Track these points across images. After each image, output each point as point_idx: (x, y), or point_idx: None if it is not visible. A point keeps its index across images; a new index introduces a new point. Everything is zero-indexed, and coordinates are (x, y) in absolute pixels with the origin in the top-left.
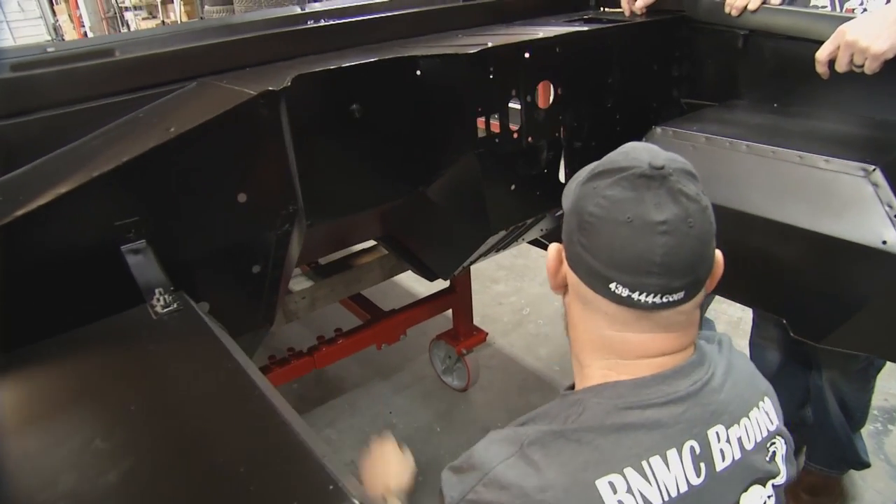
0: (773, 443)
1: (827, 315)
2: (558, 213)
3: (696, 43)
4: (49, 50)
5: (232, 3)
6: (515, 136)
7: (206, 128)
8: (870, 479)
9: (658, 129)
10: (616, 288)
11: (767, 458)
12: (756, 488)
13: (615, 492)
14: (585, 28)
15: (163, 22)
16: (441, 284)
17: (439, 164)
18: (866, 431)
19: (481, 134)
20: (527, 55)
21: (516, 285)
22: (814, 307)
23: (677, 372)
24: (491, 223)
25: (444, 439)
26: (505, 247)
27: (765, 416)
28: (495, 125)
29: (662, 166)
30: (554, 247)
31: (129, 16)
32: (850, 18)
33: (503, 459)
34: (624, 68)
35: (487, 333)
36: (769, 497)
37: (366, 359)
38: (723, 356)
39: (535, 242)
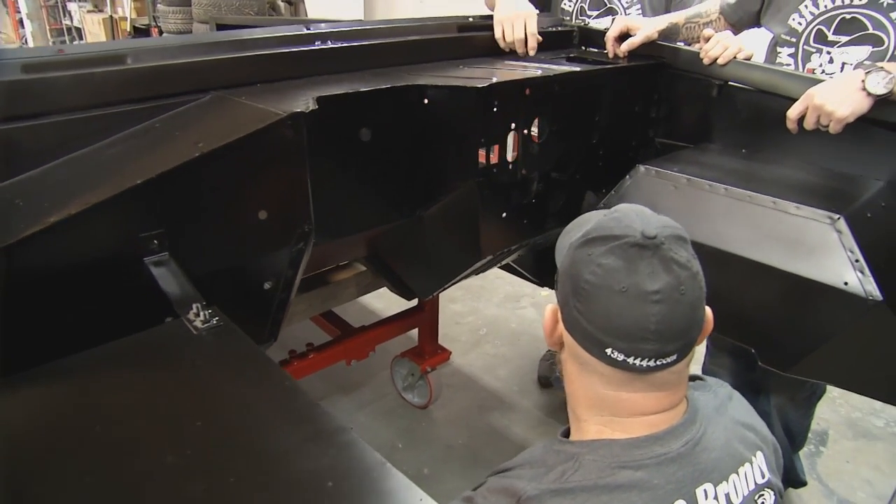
0: (762, 495)
1: (793, 347)
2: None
3: (674, 88)
4: (60, 52)
5: (189, 5)
6: (510, 167)
7: (236, 145)
8: (805, 497)
9: (641, 168)
10: (612, 353)
11: None
12: None
13: None
14: (579, 68)
15: (111, 17)
16: (405, 302)
17: (440, 189)
18: (802, 453)
19: (481, 164)
20: (527, 91)
21: (473, 305)
22: (781, 339)
23: (669, 432)
24: (482, 248)
25: (405, 456)
26: (483, 270)
27: (756, 470)
28: (493, 156)
29: (655, 235)
30: (550, 308)
31: (72, 6)
32: (815, 79)
33: None
34: (610, 107)
35: (451, 352)
36: None
37: (328, 374)
38: (720, 414)
39: (504, 266)
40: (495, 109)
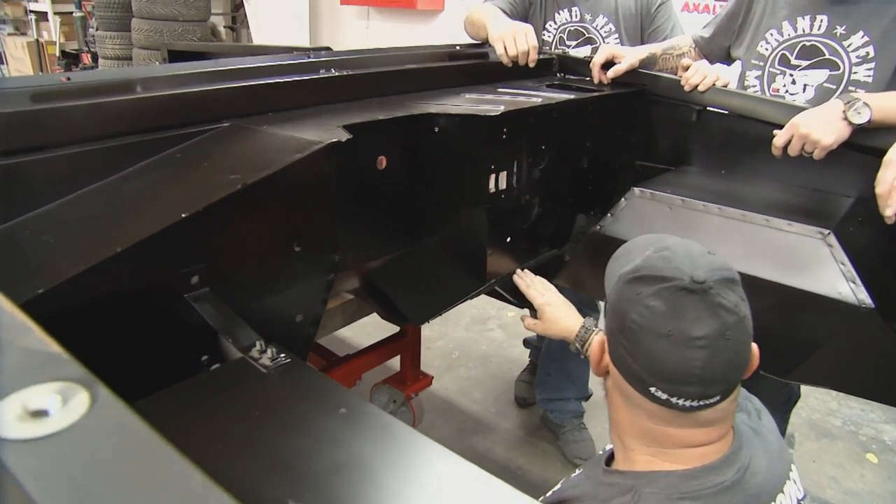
0: None
1: (791, 354)
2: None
3: (654, 114)
4: (66, 80)
5: (129, 30)
6: (515, 193)
7: (276, 176)
8: None
9: (637, 191)
10: (655, 392)
11: None
12: None
13: None
14: (574, 96)
15: (36, 41)
16: (368, 332)
17: (449, 215)
18: None
19: (490, 191)
20: (532, 119)
21: (441, 330)
22: (779, 347)
23: (724, 462)
24: (487, 274)
25: None
26: (477, 295)
27: (794, 487)
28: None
29: (703, 281)
30: (598, 339)
31: None
32: (789, 105)
33: None
34: (598, 132)
35: (433, 377)
36: None
37: None
38: (757, 434)
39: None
40: (504, 137)
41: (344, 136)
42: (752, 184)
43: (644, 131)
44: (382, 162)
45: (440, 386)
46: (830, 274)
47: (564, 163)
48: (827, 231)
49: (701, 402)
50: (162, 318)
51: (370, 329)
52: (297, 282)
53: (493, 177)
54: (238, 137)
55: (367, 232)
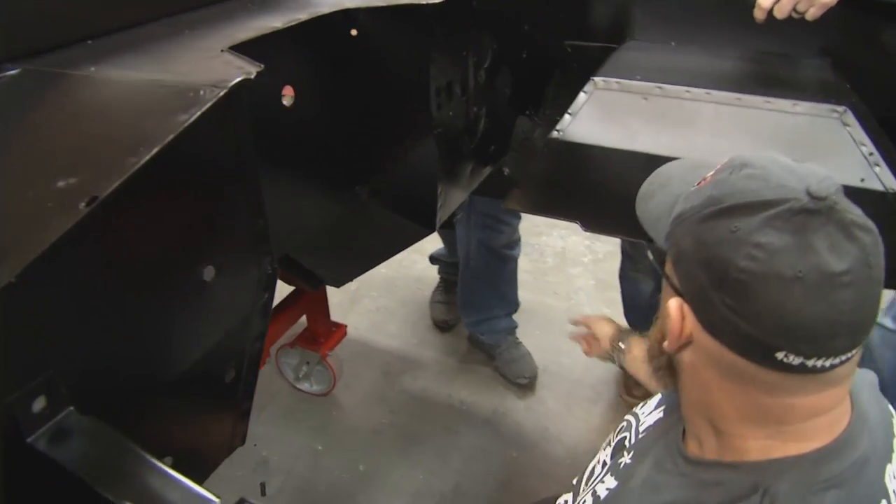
0: None
1: None
2: None
3: None
4: None
5: None
6: (464, 107)
7: (148, 170)
8: None
9: (599, 81)
10: (785, 357)
11: None
12: None
13: None
14: None
15: None
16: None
17: (390, 153)
18: None
19: (437, 110)
20: (474, 2)
21: None
22: None
23: (854, 430)
24: (439, 216)
25: (331, 459)
26: None
27: None
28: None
29: (825, 196)
30: (676, 304)
31: None
32: None
33: None
34: (533, 10)
35: (347, 325)
36: None
37: None
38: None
39: None
40: (448, 32)
41: (251, 66)
42: (715, 55)
43: (569, 1)
44: (289, 94)
45: (349, 326)
46: (850, 159)
47: (505, 56)
48: (842, 108)
49: (844, 357)
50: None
51: None
52: (218, 325)
53: (435, 90)
54: (48, 97)
55: (283, 206)
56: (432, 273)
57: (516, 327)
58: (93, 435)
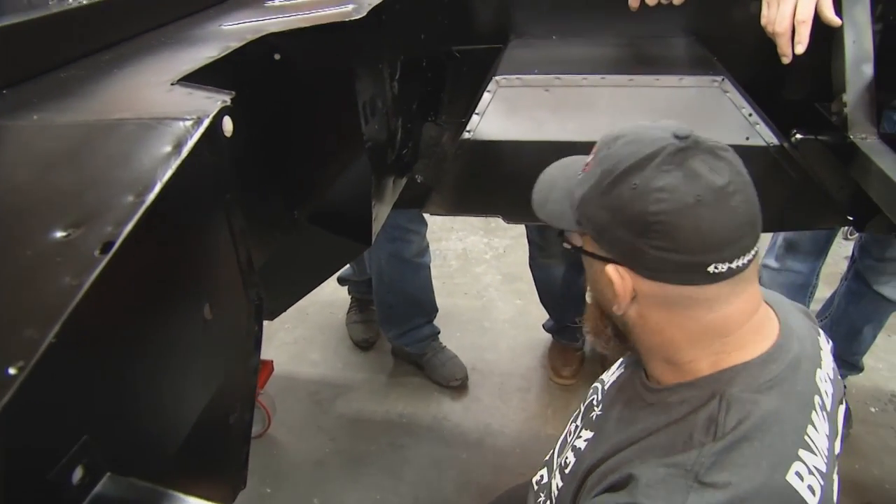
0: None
1: None
2: None
3: None
4: None
5: None
6: (386, 120)
7: (153, 213)
8: None
9: (501, 79)
10: (715, 268)
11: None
12: (841, 408)
13: (802, 479)
14: None
15: None
16: None
17: (326, 171)
18: None
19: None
20: (383, 16)
21: None
22: None
23: (784, 337)
24: (373, 232)
25: (281, 499)
26: None
27: (825, 342)
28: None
29: (688, 134)
30: (612, 269)
31: None
32: None
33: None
34: (425, 19)
35: (272, 360)
36: (845, 410)
37: None
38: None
39: None
40: (365, 46)
41: (219, 94)
42: (596, 44)
43: (453, 7)
44: (228, 124)
45: (268, 352)
46: (733, 121)
47: (410, 66)
48: (720, 78)
49: (753, 253)
50: None
51: None
52: (222, 365)
53: (362, 106)
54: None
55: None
56: (342, 295)
57: (439, 332)
58: (138, 498)
